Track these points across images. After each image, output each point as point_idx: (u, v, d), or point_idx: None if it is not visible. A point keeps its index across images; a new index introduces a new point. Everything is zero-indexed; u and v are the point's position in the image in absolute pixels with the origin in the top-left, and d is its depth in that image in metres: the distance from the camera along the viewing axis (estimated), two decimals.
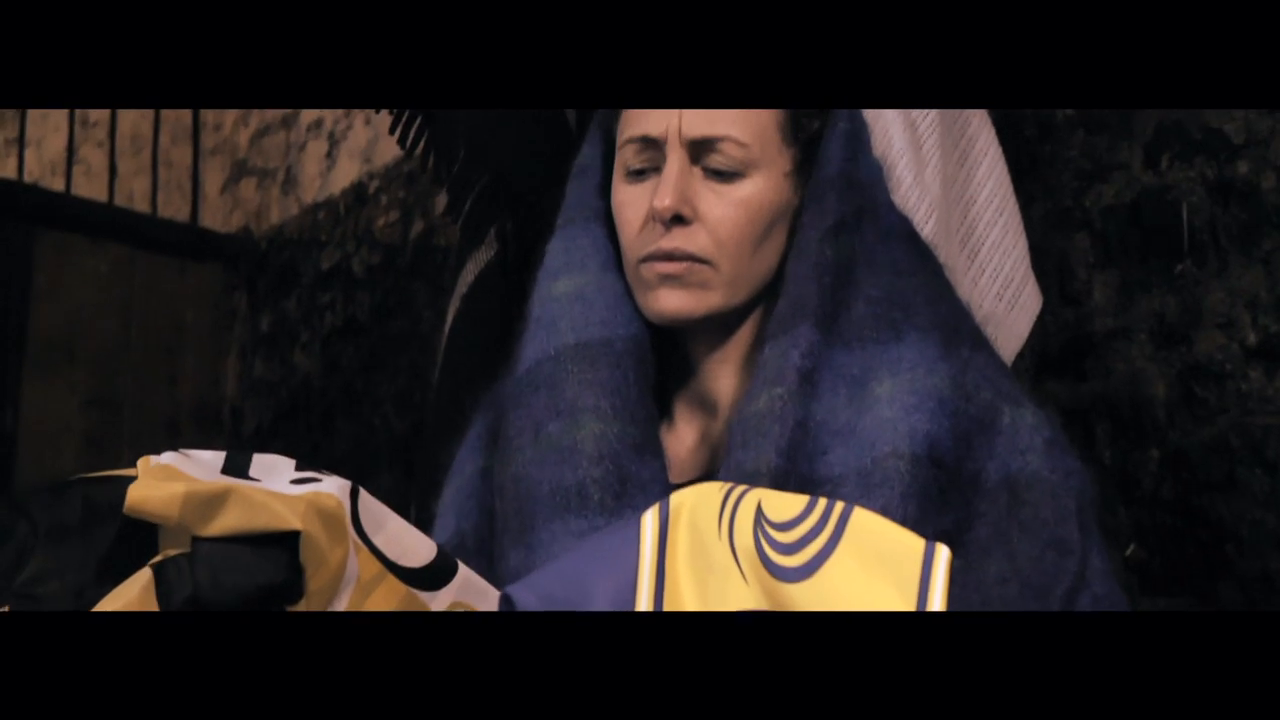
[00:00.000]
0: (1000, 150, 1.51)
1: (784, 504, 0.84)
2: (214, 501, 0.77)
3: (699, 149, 1.10)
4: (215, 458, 0.83)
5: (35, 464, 3.10)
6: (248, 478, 0.82)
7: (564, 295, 1.14)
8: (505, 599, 0.87)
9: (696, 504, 0.86)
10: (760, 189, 1.11)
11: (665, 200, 1.08)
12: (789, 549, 0.82)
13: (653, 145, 1.11)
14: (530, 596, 0.87)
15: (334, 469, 0.85)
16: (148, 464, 0.81)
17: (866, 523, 0.82)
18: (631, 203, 1.13)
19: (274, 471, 0.83)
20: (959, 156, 1.48)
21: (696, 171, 1.10)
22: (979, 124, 1.52)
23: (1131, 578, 1.60)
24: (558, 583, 0.87)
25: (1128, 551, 1.61)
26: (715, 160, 1.10)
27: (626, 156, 1.14)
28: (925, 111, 1.43)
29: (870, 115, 1.35)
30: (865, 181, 1.15)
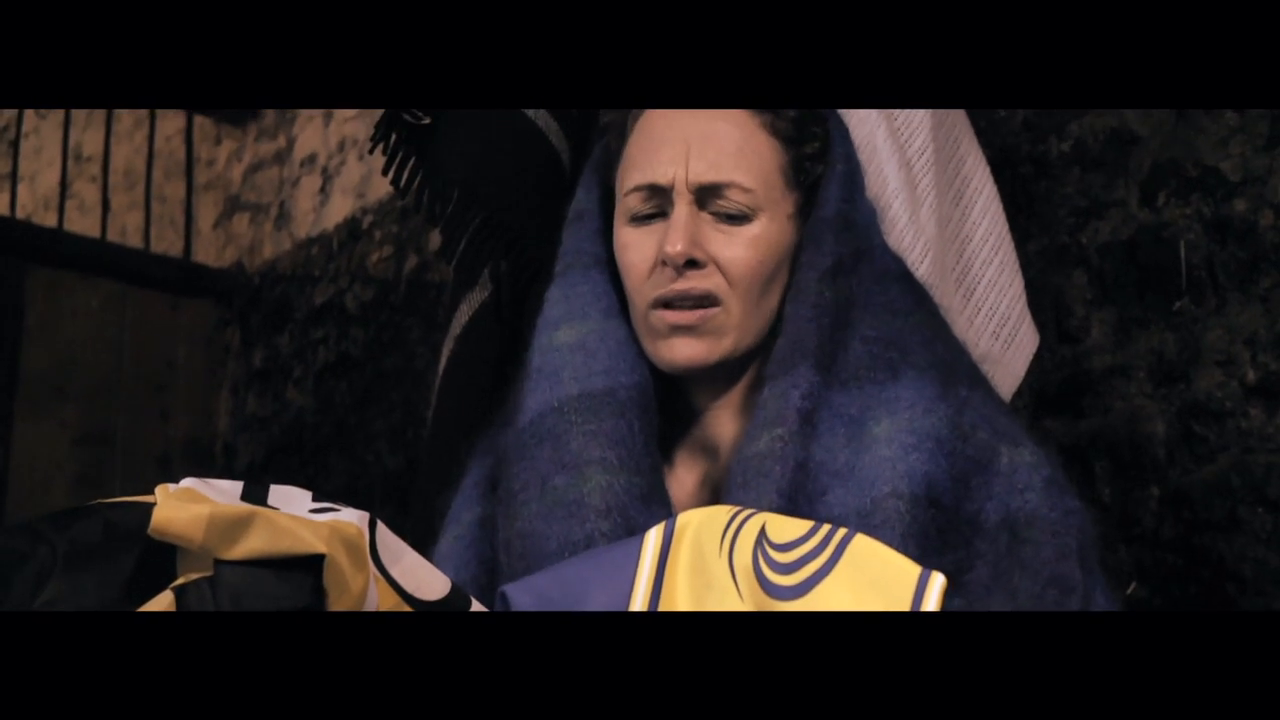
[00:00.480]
0: (995, 189, 1.51)
1: (788, 527, 0.86)
2: (239, 524, 0.77)
3: (706, 195, 1.10)
4: (234, 486, 0.83)
5: (26, 502, 3.08)
6: (266, 506, 0.82)
7: (565, 345, 1.14)
8: (501, 596, 0.88)
9: (703, 523, 0.87)
10: (767, 230, 1.11)
11: (677, 246, 1.08)
12: (786, 569, 0.83)
13: (659, 193, 1.12)
14: (526, 597, 0.87)
15: None
16: (167, 490, 0.81)
17: (865, 548, 0.83)
18: (636, 246, 1.13)
19: (292, 501, 0.84)
20: (954, 195, 1.48)
21: (704, 216, 1.11)
22: (973, 163, 1.51)
23: None
24: (555, 585, 0.88)
25: (1129, 590, 1.59)
26: (722, 205, 1.10)
27: (631, 204, 1.14)
28: (920, 151, 1.43)
29: (865, 155, 1.35)
30: (861, 224, 1.16)
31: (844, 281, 1.12)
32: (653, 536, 0.87)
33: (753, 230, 1.11)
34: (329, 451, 3.05)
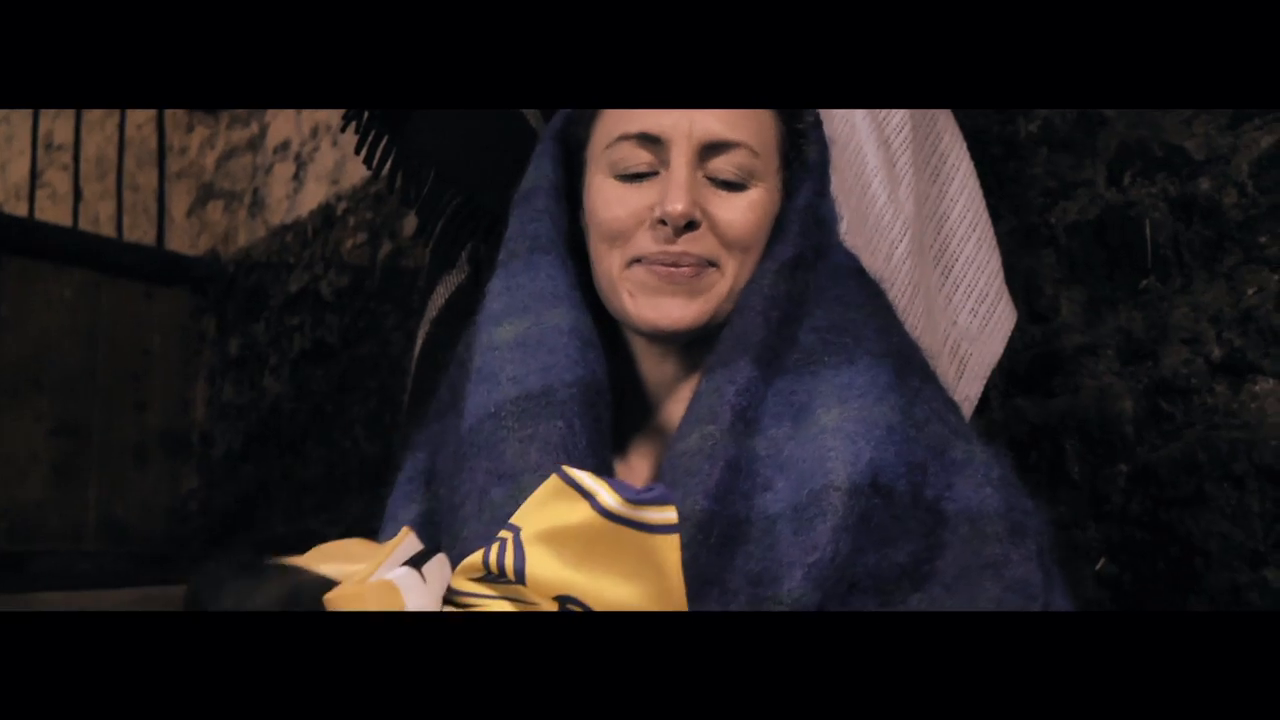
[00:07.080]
0: (972, 166, 1.51)
1: None
2: None
3: (709, 153, 1.04)
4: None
5: (2, 492, 3.07)
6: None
7: (505, 343, 1.08)
8: None
9: None
10: (764, 197, 1.06)
11: (679, 205, 1.01)
12: None
13: (654, 145, 1.05)
14: None
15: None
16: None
17: None
18: (622, 201, 1.06)
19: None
20: (931, 173, 1.48)
21: (700, 179, 1.04)
22: (950, 140, 1.52)
23: (1103, 593, 1.60)
24: None
25: (1099, 566, 1.61)
26: (723, 168, 1.05)
27: (617, 156, 1.07)
28: (898, 129, 1.44)
29: (844, 132, 1.35)
30: (827, 220, 1.12)
31: (802, 276, 1.07)
32: None
33: (751, 197, 1.05)
34: (306, 439, 3.04)
